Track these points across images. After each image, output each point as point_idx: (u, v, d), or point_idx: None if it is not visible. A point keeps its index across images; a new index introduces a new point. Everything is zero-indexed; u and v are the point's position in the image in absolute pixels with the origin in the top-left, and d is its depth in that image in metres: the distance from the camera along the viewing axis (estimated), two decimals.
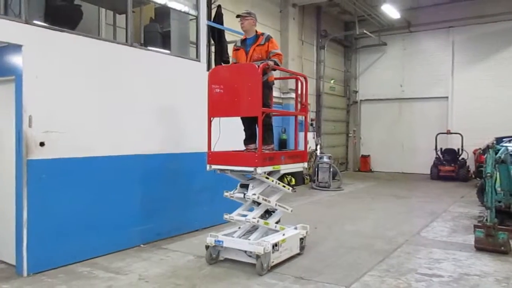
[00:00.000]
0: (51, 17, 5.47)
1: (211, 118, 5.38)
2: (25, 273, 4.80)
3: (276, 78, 6.33)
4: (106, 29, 7.62)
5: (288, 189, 5.65)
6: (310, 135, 14.86)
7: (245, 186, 5.37)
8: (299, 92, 5.94)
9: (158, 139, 6.41)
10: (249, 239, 5.19)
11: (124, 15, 6.87)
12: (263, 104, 5.05)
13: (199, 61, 7.15)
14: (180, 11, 7.14)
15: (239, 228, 5.56)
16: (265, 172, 5.16)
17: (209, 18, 7.56)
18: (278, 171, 5.50)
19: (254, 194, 5.19)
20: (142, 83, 6.17)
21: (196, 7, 7.17)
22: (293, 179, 12.59)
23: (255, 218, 5.19)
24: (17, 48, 4.77)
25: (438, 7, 16.92)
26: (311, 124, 15.04)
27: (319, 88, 17.09)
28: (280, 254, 5.27)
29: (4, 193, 5.17)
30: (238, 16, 5.78)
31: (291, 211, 5.79)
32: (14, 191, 4.90)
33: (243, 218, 5.32)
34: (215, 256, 5.38)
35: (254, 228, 5.53)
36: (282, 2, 14.25)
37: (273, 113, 6.31)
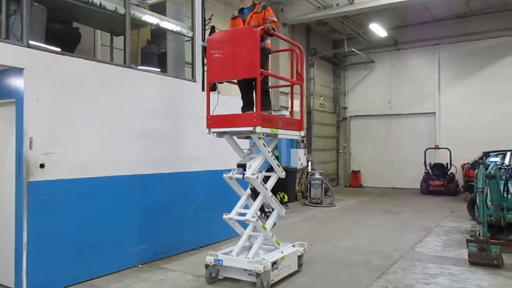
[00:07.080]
0: (51, 40, 5.54)
1: (210, 83, 5.45)
2: None
3: (273, 51, 6.40)
4: (101, 50, 7.72)
5: (282, 171, 5.70)
6: (302, 151, 15.02)
7: (242, 166, 5.45)
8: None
9: (155, 159, 6.45)
10: (247, 258, 5.22)
11: (119, 37, 6.99)
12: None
13: (195, 81, 7.28)
14: (176, 32, 7.30)
15: (236, 244, 5.59)
16: (264, 134, 5.22)
17: (203, 39, 7.71)
18: (276, 135, 5.60)
19: (253, 174, 5.24)
20: (140, 103, 6.25)
21: (192, 28, 7.34)
22: (285, 196, 12.65)
23: (254, 217, 5.26)
24: (18, 71, 4.84)
25: (424, 25, 17.34)
26: (302, 141, 15.18)
27: (310, 105, 17.33)
28: (279, 272, 5.32)
29: (4, 215, 5.15)
30: None
31: (285, 213, 5.89)
32: (14, 213, 4.89)
33: (242, 218, 5.40)
34: (214, 275, 5.39)
35: (251, 242, 5.58)
36: None
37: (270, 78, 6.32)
